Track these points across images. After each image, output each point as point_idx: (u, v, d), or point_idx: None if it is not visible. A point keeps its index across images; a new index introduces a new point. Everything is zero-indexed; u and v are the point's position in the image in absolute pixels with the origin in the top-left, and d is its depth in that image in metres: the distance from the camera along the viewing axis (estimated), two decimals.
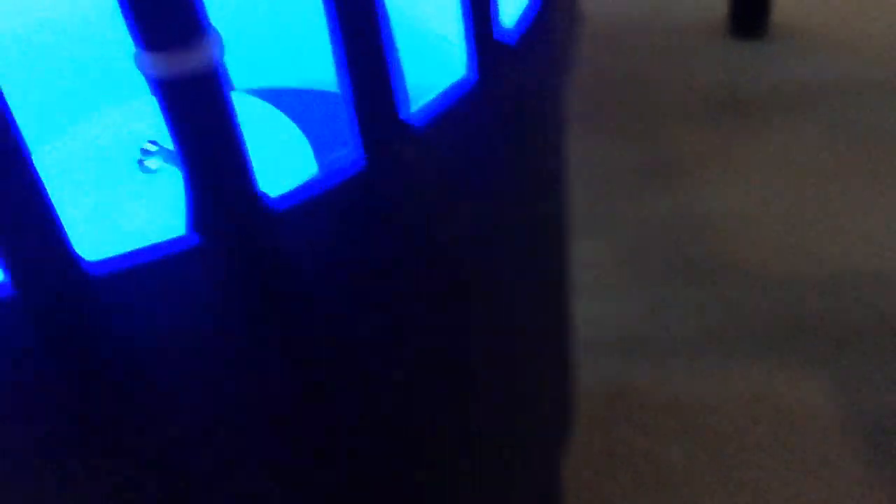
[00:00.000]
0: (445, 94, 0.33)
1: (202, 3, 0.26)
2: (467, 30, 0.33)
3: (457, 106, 0.33)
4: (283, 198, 0.31)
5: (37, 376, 0.31)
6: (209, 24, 0.26)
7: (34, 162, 0.27)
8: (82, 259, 0.29)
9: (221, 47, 0.26)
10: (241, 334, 0.32)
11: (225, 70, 0.27)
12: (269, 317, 0.32)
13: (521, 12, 0.35)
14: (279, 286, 0.31)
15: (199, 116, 0.27)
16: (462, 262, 0.36)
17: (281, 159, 0.49)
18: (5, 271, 0.28)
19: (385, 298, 0.34)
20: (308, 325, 0.33)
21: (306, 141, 0.50)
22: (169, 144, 0.50)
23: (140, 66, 0.26)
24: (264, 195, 0.30)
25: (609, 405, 0.76)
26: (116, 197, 0.48)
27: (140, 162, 0.50)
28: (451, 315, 0.38)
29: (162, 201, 0.48)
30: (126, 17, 0.25)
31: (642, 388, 0.78)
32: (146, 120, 0.52)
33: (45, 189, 0.27)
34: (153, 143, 0.51)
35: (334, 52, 0.29)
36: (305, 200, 0.31)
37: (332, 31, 0.29)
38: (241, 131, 0.28)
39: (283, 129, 0.50)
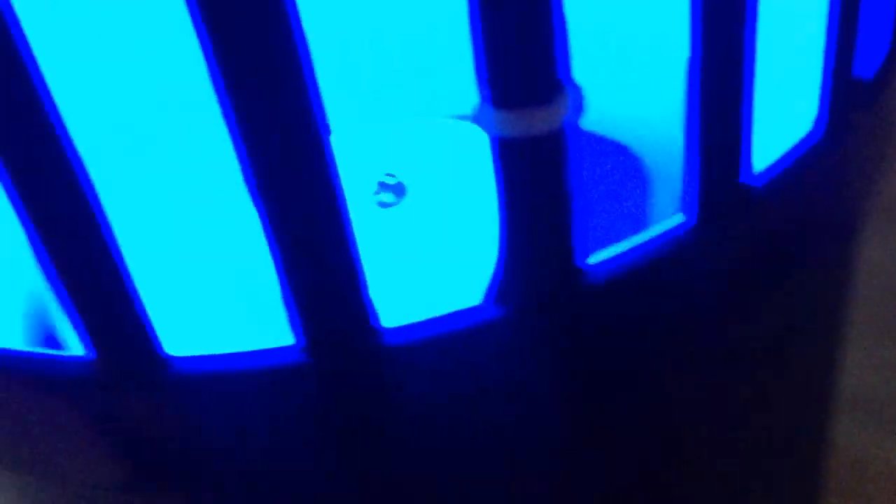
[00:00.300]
0: (791, 152, 0.29)
1: (568, 54, 0.23)
2: (825, 76, 0.29)
3: (800, 164, 0.29)
4: (602, 265, 0.27)
5: (322, 442, 0.29)
6: (571, 78, 0.23)
7: (349, 222, 0.24)
8: (381, 327, 0.27)
9: (581, 103, 0.24)
10: (545, 410, 0.29)
11: (577, 127, 0.24)
12: (580, 391, 0.29)
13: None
14: (593, 361, 0.28)
15: (538, 181, 0.24)
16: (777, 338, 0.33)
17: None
18: (301, 336, 0.26)
19: (701, 375, 0.31)
20: (621, 404, 0.29)
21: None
22: (408, 177, 0.48)
23: (480, 122, 0.24)
24: (586, 266, 0.27)
25: (835, 477, 0.70)
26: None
27: (377, 195, 0.49)
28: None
29: (402, 241, 0.46)
30: (479, 66, 0.22)
31: (873, 461, 0.71)
32: (385, 147, 0.51)
33: (357, 253, 0.25)
34: (391, 175, 0.49)
35: (688, 101, 0.26)
36: (625, 270, 0.28)
37: (692, 81, 0.25)
38: (574, 198, 0.25)
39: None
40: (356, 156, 0.50)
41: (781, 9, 0.33)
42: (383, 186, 0.49)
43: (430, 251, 0.44)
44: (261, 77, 0.21)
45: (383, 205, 0.49)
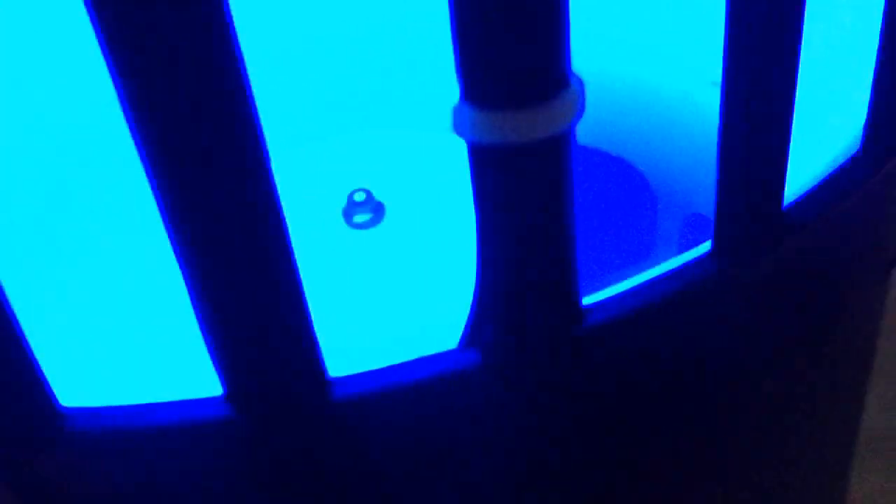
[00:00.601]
0: (830, 177, 0.25)
1: (569, 41, 0.18)
2: (872, 98, 0.25)
3: (839, 189, 0.25)
4: (608, 303, 0.23)
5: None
6: (571, 73, 0.19)
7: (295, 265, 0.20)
8: (329, 376, 0.22)
9: (582, 104, 0.19)
10: (527, 469, 0.24)
11: (574, 134, 0.20)
12: (573, 450, 0.24)
13: None
14: (588, 408, 0.24)
15: (530, 200, 0.20)
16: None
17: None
18: (227, 385, 0.22)
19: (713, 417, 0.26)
20: (618, 450, 0.25)
21: None
22: (384, 194, 0.44)
23: (459, 126, 0.19)
24: (588, 304, 0.23)
25: None
26: (318, 257, 0.42)
27: (346, 214, 0.44)
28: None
29: (374, 264, 0.42)
30: (459, 55, 0.18)
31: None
32: (358, 161, 0.46)
33: (303, 295, 0.20)
34: (363, 191, 0.44)
35: (722, 120, 0.21)
36: (636, 309, 0.23)
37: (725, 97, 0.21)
38: (574, 223, 0.21)
39: None
40: (326, 171, 0.46)
41: (827, 24, 0.29)
42: (356, 205, 0.45)
43: (398, 280, 0.40)
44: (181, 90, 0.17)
45: (357, 226, 0.44)
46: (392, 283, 0.41)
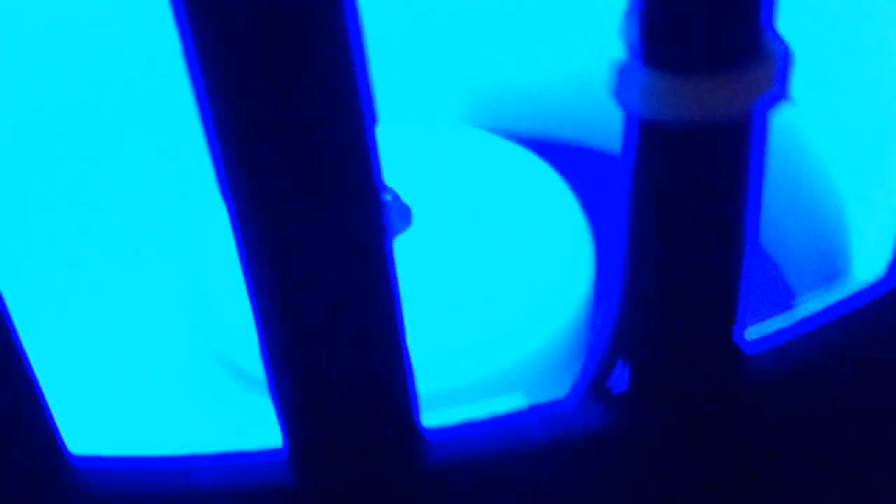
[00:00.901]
0: None
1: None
2: None
3: None
4: (771, 342, 0.18)
5: None
6: (777, 34, 0.14)
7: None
8: (425, 432, 0.17)
9: (786, 74, 0.15)
10: None
11: (765, 115, 0.15)
12: None
13: None
14: (747, 476, 0.19)
15: (701, 199, 0.16)
16: None
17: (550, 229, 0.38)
18: (293, 443, 0.17)
19: None
20: None
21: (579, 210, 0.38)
22: (410, 196, 0.40)
23: (624, 95, 0.15)
24: (744, 345, 0.18)
25: None
26: None
27: None
28: None
29: (401, 275, 0.37)
30: (638, 16, 0.14)
31: None
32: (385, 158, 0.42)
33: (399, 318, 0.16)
34: (389, 192, 0.40)
35: None
36: (803, 349, 0.19)
37: None
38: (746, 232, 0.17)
39: (558, 198, 0.38)
40: None
41: None
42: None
43: (430, 295, 0.35)
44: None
45: None
46: (424, 298, 0.36)
